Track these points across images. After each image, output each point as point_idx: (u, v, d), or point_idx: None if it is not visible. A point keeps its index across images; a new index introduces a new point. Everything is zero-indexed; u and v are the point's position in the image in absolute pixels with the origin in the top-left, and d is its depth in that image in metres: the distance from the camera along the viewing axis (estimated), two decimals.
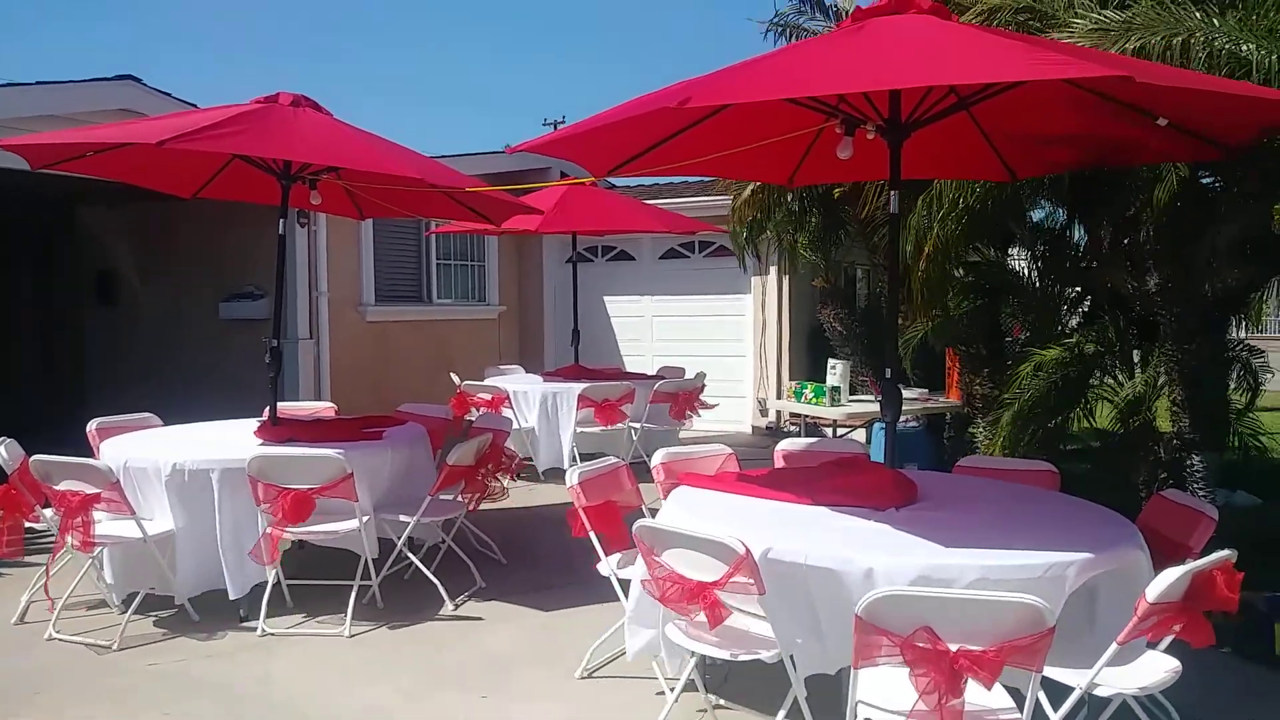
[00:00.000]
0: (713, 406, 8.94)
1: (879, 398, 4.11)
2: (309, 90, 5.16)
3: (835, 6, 8.13)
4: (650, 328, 12.15)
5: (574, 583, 5.16)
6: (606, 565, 3.98)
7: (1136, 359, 6.18)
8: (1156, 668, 2.97)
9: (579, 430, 8.12)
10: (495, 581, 5.37)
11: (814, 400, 8.08)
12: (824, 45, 3.56)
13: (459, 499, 5.26)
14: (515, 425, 7.75)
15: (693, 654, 3.28)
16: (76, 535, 4.42)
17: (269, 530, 4.59)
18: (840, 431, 8.67)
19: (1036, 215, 6.92)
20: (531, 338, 12.60)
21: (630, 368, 11.10)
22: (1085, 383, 5.72)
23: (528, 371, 10.14)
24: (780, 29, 8.27)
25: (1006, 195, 5.61)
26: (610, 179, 9.17)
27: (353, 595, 4.76)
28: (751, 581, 2.98)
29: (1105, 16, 4.73)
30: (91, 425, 5.59)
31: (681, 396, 8.55)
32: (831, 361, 8.29)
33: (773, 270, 10.94)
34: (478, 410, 8.12)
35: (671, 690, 3.55)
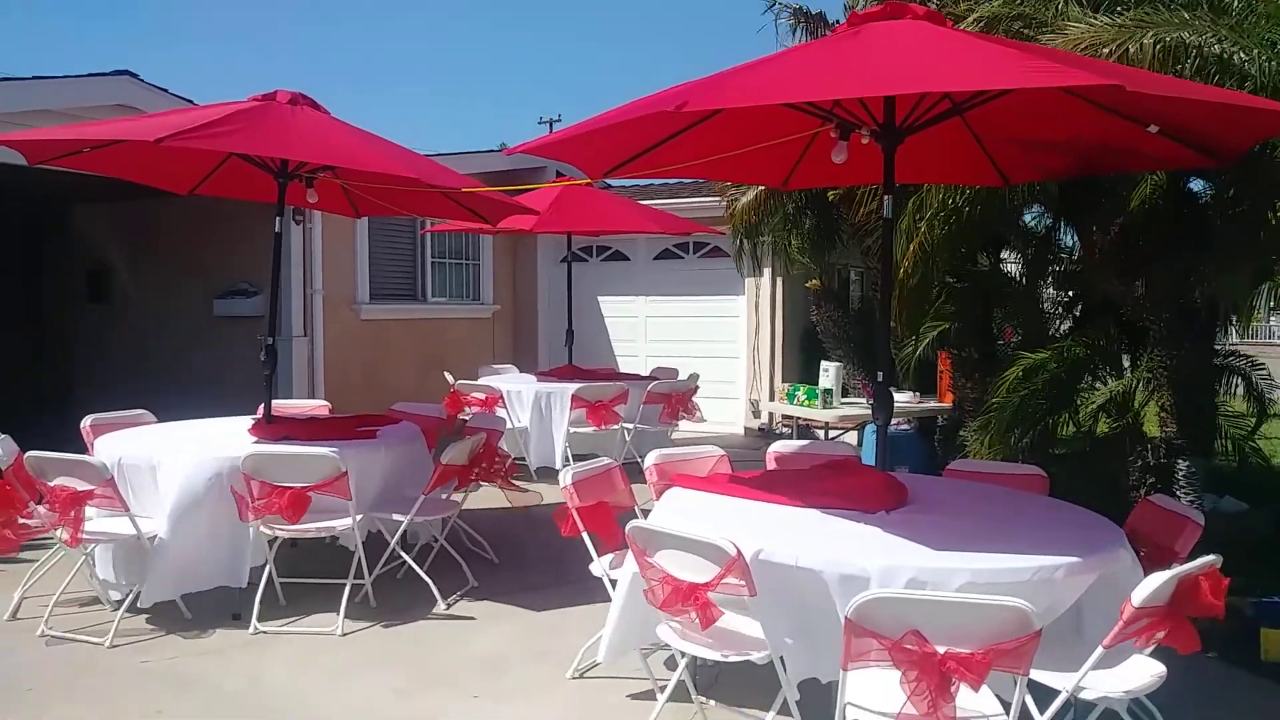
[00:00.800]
0: (700, 420, 8.93)
1: (871, 401, 4.14)
2: (300, 82, 5.19)
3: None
4: (644, 328, 12.17)
5: (566, 583, 5.18)
6: (599, 566, 4.00)
7: (1126, 364, 6.23)
8: (1142, 671, 3.00)
9: (572, 430, 8.15)
10: (487, 581, 5.39)
11: (806, 402, 8.11)
12: (820, 50, 3.59)
13: (451, 499, 5.28)
14: (509, 425, 7.76)
15: (683, 655, 3.30)
16: (66, 530, 4.43)
17: (265, 530, 4.60)
18: (832, 434, 8.70)
19: (1027, 219, 6.97)
20: (525, 337, 12.61)
21: (624, 368, 11.13)
22: (1074, 387, 5.76)
23: (521, 371, 10.17)
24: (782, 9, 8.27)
25: (996, 200, 5.64)
26: (606, 179, 9.19)
27: (345, 594, 4.77)
28: (743, 583, 3.01)
29: (1095, 21, 4.77)
30: (85, 422, 5.59)
31: (674, 398, 8.58)
32: (824, 364, 8.32)
33: (766, 272, 10.97)
34: (471, 409, 8.14)
35: (662, 691, 3.57)
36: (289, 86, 5.13)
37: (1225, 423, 5.88)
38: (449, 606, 5.03)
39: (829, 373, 8.15)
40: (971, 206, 5.69)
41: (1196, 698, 3.73)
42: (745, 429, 11.33)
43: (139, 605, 4.69)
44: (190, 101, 7.75)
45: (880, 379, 3.91)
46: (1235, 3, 4.80)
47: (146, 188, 5.96)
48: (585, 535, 3.97)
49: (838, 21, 7.75)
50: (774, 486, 3.92)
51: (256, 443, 5.06)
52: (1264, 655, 4.40)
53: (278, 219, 5.40)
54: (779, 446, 4.96)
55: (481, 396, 8.29)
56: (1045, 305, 7.18)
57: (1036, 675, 2.81)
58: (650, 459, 4.51)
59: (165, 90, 7.78)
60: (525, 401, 8.32)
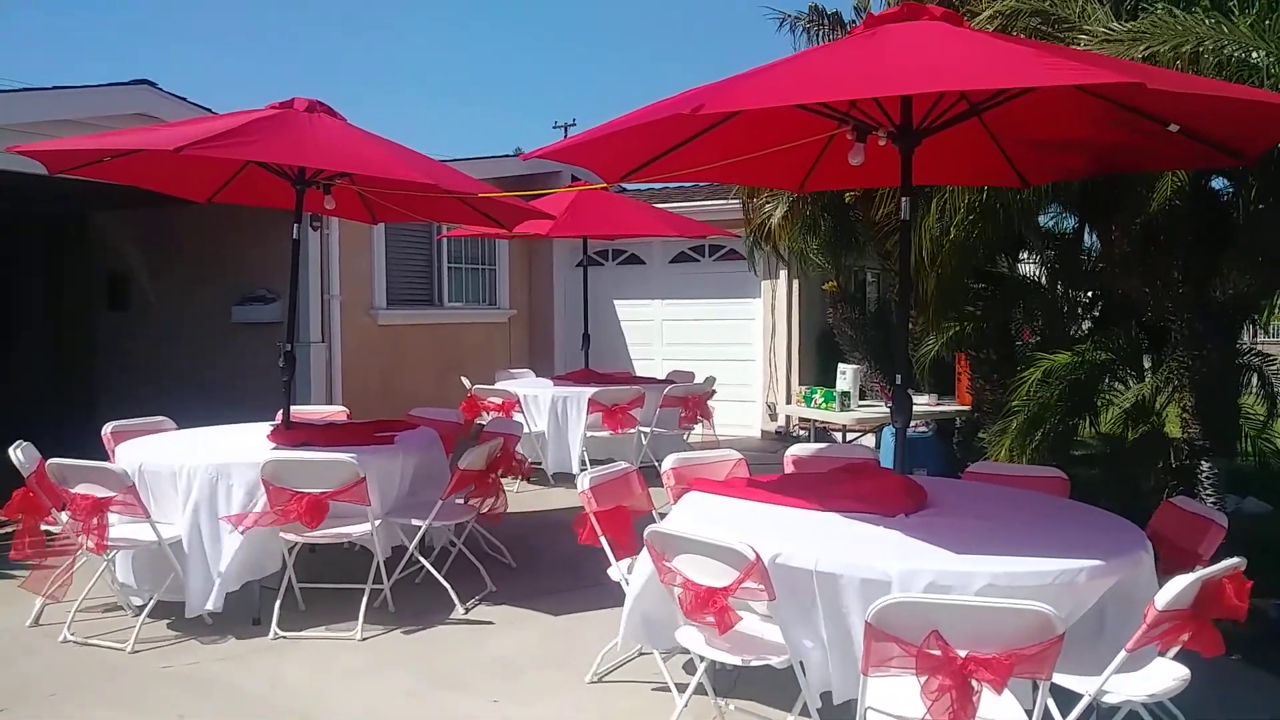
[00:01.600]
0: (710, 426, 8.89)
1: (889, 404, 4.12)
2: (315, 85, 5.22)
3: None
4: (660, 331, 12.17)
5: (584, 586, 5.18)
6: (617, 570, 4.00)
7: (1147, 365, 6.17)
8: (1165, 675, 2.97)
9: (589, 435, 8.15)
10: (505, 585, 5.39)
11: (824, 405, 8.09)
12: (836, 51, 3.58)
13: (469, 503, 5.29)
14: (525, 429, 7.77)
15: (702, 658, 3.30)
16: (91, 538, 4.46)
17: (285, 536, 4.63)
18: (850, 436, 8.67)
19: (1046, 220, 6.92)
20: (542, 341, 12.63)
21: (640, 371, 11.12)
22: (1094, 389, 5.72)
23: (538, 375, 10.19)
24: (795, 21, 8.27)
25: (1019, 200, 5.61)
26: (621, 183, 9.21)
27: (364, 599, 4.78)
28: (762, 587, 3.00)
29: (1112, 29, 4.74)
30: (106, 429, 5.64)
31: (691, 401, 8.57)
32: (841, 366, 8.30)
33: (783, 274, 10.95)
34: (488, 414, 8.16)
35: (681, 694, 3.56)
36: (305, 90, 5.20)
37: (1246, 424, 5.82)
38: (467, 611, 5.04)
39: (846, 375, 8.13)
40: (991, 207, 5.66)
41: (1220, 701, 3.70)
42: (762, 431, 11.30)
43: (188, 616, 4.72)
44: (209, 109, 7.80)
45: (899, 382, 3.89)
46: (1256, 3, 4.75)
47: (165, 195, 6.01)
48: (603, 539, 3.97)
49: (853, 22, 7.75)
50: (793, 490, 3.91)
51: (275, 448, 5.09)
52: None
53: (295, 226, 5.43)
54: (797, 450, 4.94)
55: (498, 401, 8.31)
56: (1064, 305, 7.13)
57: (1059, 679, 2.79)
58: (668, 463, 4.51)
59: (184, 99, 7.84)
60: (542, 406, 8.33)
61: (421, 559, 5.12)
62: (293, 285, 5.56)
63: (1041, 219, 6.83)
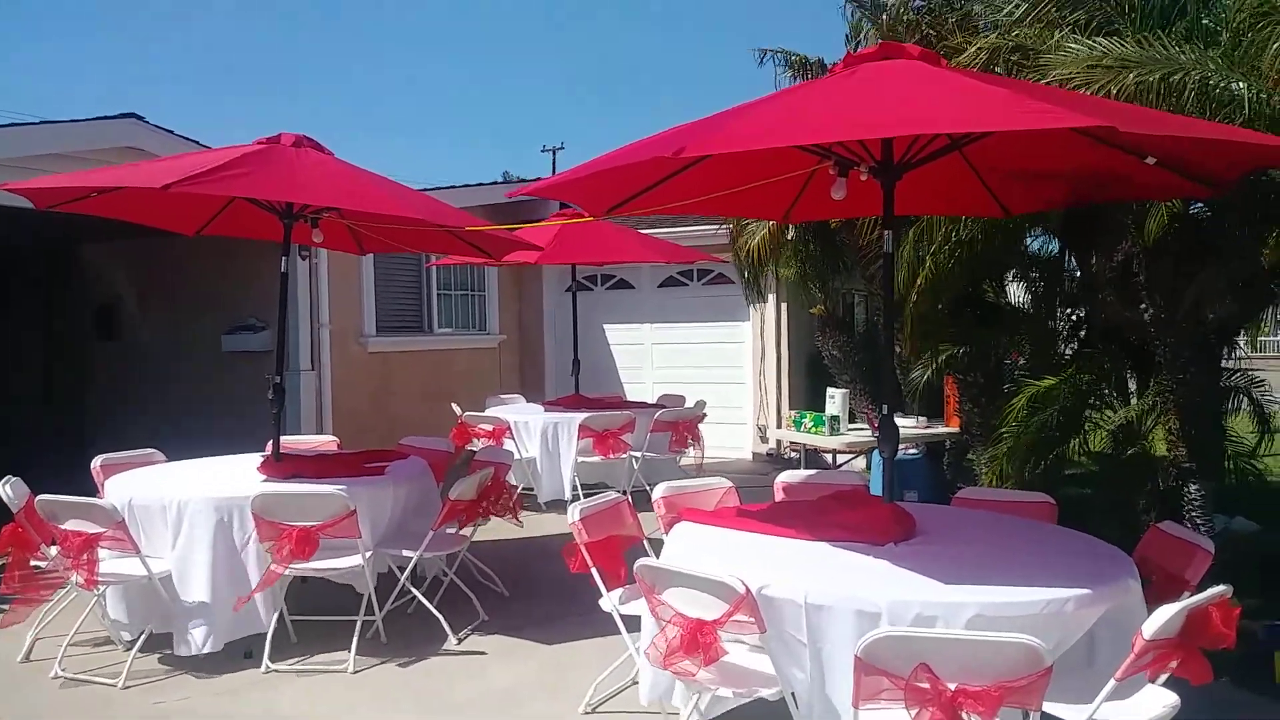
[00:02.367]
0: (699, 452, 8.88)
1: (876, 432, 4.16)
2: (303, 120, 5.25)
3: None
4: (650, 355, 12.21)
5: (577, 614, 5.18)
6: (609, 600, 4.01)
7: (1133, 388, 6.23)
8: (1155, 702, 2.99)
9: (580, 460, 8.16)
10: (498, 614, 5.40)
11: (813, 429, 8.11)
12: (817, 91, 3.62)
13: (460, 533, 5.29)
14: (516, 456, 7.78)
15: (695, 693, 3.30)
16: (81, 573, 4.45)
17: (274, 568, 4.62)
18: (840, 460, 8.70)
19: (1032, 243, 7.00)
20: (532, 366, 12.65)
21: (630, 396, 11.14)
22: (1081, 413, 5.76)
23: (528, 400, 10.19)
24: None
25: (1000, 228, 5.68)
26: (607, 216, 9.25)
27: (356, 631, 4.78)
28: (752, 620, 3.02)
29: (1096, 43, 4.81)
30: (96, 462, 5.63)
31: (682, 425, 8.59)
32: (830, 390, 8.33)
33: (771, 298, 11.00)
34: (479, 441, 8.16)
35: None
36: (287, 123, 5.21)
37: (1230, 446, 5.88)
38: (460, 641, 5.04)
39: (835, 399, 8.16)
40: (975, 234, 5.73)
41: None
42: (753, 454, 11.33)
43: (179, 654, 4.69)
44: (196, 142, 7.85)
45: (885, 411, 3.93)
46: (1225, 33, 4.84)
47: (152, 227, 6.03)
48: (594, 570, 3.98)
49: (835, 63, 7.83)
50: (782, 519, 3.93)
51: (265, 481, 5.09)
52: (1277, 679, 4.38)
53: (284, 259, 5.46)
54: (787, 476, 4.97)
55: (489, 427, 8.31)
56: (1051, 329, 7.19)
57: (1049, 707, 2.81)
58: (658, 491, 4.53)
59: (171, 131, 7.88)
60: (533, 432, 8.33)
61: (413, 589, 5.12)
62: (281, 318, 5.57)
63: (1028, 241, 6.92)
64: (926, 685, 2.57)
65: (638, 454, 8.26)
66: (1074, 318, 7.18)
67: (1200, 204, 5.49)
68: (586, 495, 4.63)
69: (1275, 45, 4.37)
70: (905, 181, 3.78)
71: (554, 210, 10.05)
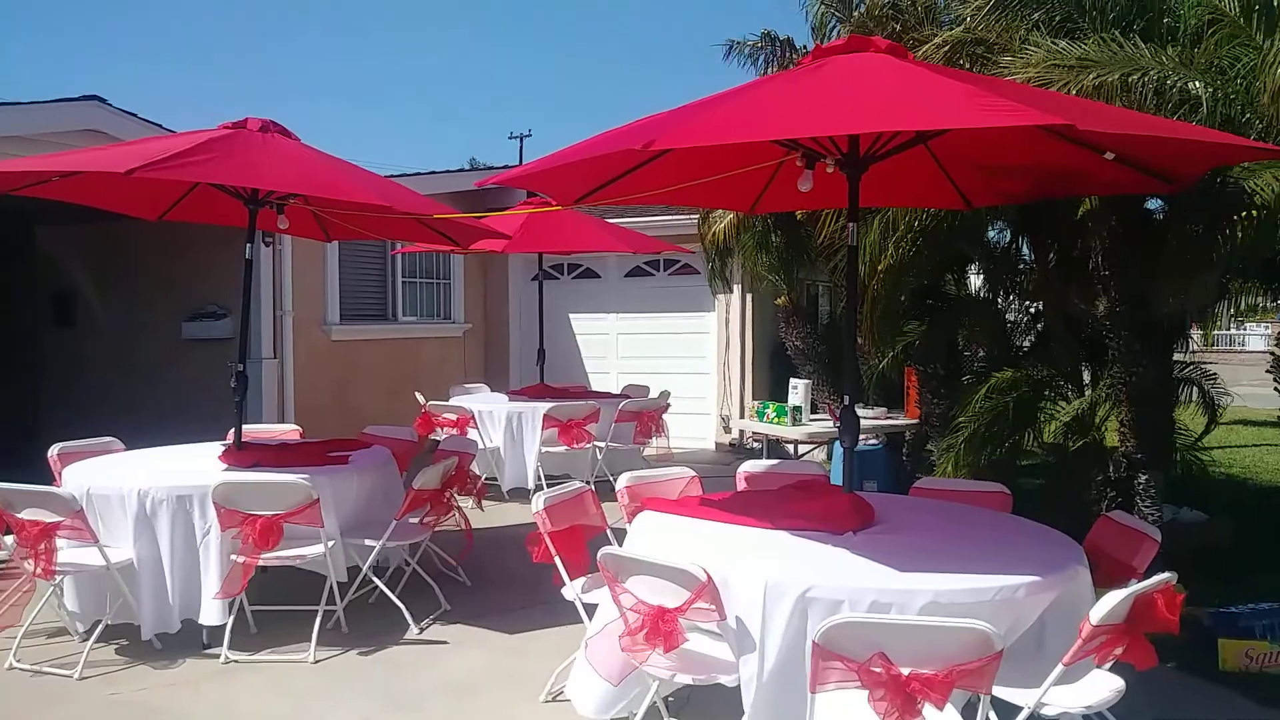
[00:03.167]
0: (664, 441, 8.93)
1: (837, 424, 4.22)
2: (265, 99, 5.20)
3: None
4: (615, 345, 12.23)
5: (538, 604, 5.21)
6: (571, 590, 4.04)
7: (1087, 379, 6.36)
8: (1102, 686, 3.08)
9: (544, 450, 8.17)
10: (460, 604, 5.40)
11: (776, 420, 8.19)
12: (785, 85, 3.66)
13: (424, 522, 5.29)
14: (480, 445, 7.77)
15: (655, 679, 3.35)
16: (38, 563, 4.40)
17: (237, 558, 4.60)
18: (802, 450, 8.79)
19: (990, 235, 7.11)
20: (497, 355, 12.63)
21: (595, 385, 11.16)
22: (1036, 405, 5.88)
23: (493, 390, 10.18)
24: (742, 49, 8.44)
25: (961, 220, 5.76)
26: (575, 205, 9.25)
27: (317, 620, 4.77)
28: (713, 608, 3.06)
29: (1057, 43, 4.90)
30: (53, 451, 5.55)
31: (646, 415, 8.63)
32: (793, 381, 8.41)
33: (736, 288, 11.07)
34: (443, 430, 8.15)
35: (633, 715, 3.60)
36: (254, 107, 5.19)
37: (1180, 438, 6.03)
38: (421, 631, 5.04)
39: (798, 390, 8.24)
40: (936, 226, 5.82)
41: (1156, 708, 3.83)
42: (716, 444, 11.40)
43: (145, 639, 4.67)
44: (160, 126, 7.73)
45: (846, 402, 3.99)
46: (1183, 29, 4.94)
47: (114, 211, 5.95)
48: (557, 559, 4.01)
49: (805, 48, 7.90)
50: (743, 509, 3.98)
51: (227, 470, 5.06)
52: (1221, 665, 4.51)
53: (248, 245, 5.41)
54: (749, 466, 5.02)
55: (453, 417, 8.29)
56: (1009, 319, 7.32)
57: (999, 692, 2.89)
58: (622, 481, 4.56)
59: (134, 115, 7.75)
60: (497, 421, 8.34)
61: (375, 579, 5.11)
62: (244, 305, 5.53)
63: (990, 235, 7.03)
64: (881, 670, 2.63)
65: (602, 444, 8.29)
66: (1032, 310, 7.31)
67: (1157, 200, 5.61)
68: (550, 485, 4.65)
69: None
70: (870, 174, 3.84)
71: (521, 198, 10.03)
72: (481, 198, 11.47)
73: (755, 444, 10.13)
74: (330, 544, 4.80)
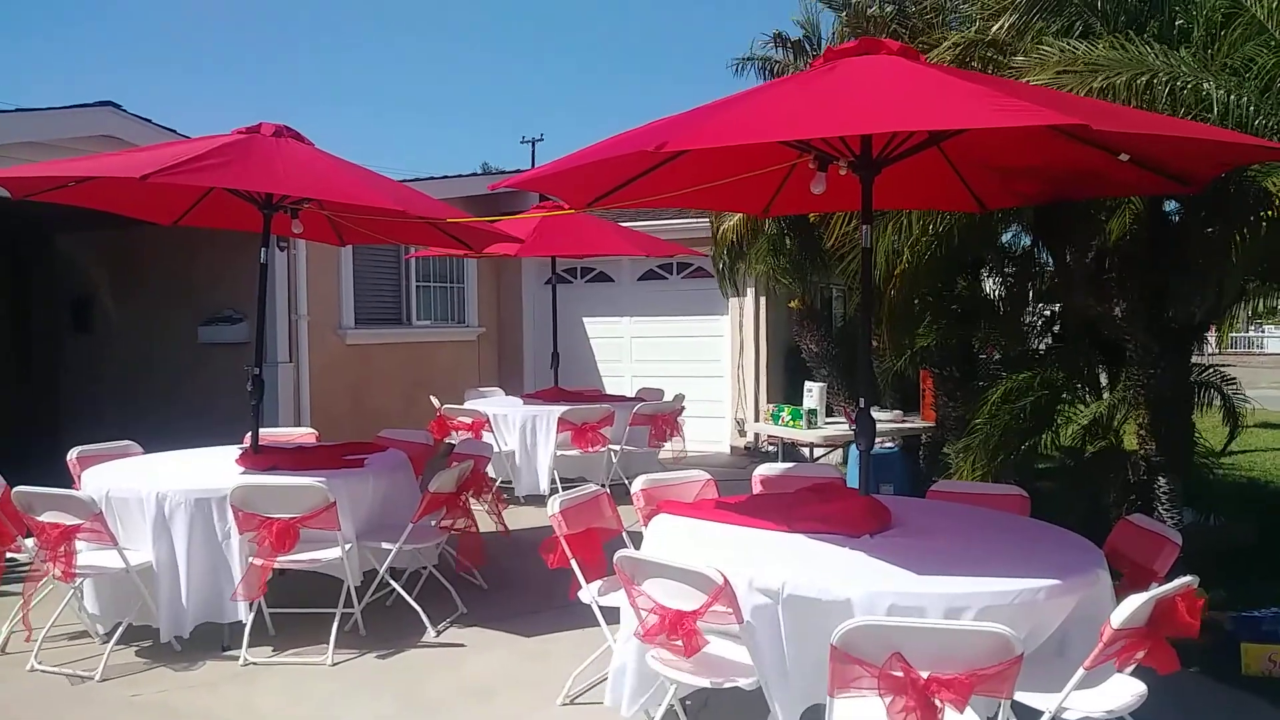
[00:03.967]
0: (680, 445, 8.93)
1: (852, 426, 4.21)
2: (280, 104, 5.23)
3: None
4: (629, 349, 12.23)
5: (555, 608, 5.21)
6: (588, 592, 4.04)
7: (1104, 383, 6.32)
8: (1123, 691, 3.06)
9: (558, 453, 8.17)
10: (477, 607, 5.41)
11: (791, 423, 8.17)
12: (797, 87, 3.65)
13: (440, 525, 5.30)
14: (495, 449, 7.78)
15: (673, 683, 3.34)
16: (59, 566, 4.43)
17: (255, 561, 4.62)
18: (817, 453, 8.77)
19: (1005, 238, 7.08)
20: (511, 359, 12.65)
21: (609, 389, 11.17)
22: (1054, 408, 5.84)
23: (507, 393, 10.20)
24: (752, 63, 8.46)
25: (975, 223, 5.74)
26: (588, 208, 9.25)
27: (335, 623, 4.78)
28: (730, 611, 3.05)
29: (1067, 44, 4.87)
30: (72, 454, 5.59)
31: (660, 419, 8.62)
32: (808, 384, 8.39)
33: (750, 291, 11.05)
34: (458, 434, 8.16)
35: (652, 716, 3.60)
36: (268, 113, 5.23)
37: (1201, 442, 5.98)
38: (439, 634, 5.05)
39: (813, 393, 8.22)
40: (951, 229, 5.79)
41: (1178, 713, 3.80)
42: (731, 448, 11.38)
43: (163, 641, 4.69)
44: (174, 131, 7.78)
45: (862, 404, 3.98)
46: (1196, 30, 4.91)
47: (129, 217, 5.99)
48: (573, 562, 4.01)
49: (815, 54, 7.89)
50: (760, 512, 3.97)
51: (244, 473, 5.08)
52: (1244, 669, 4.47)
53: (263, 250, 5.44)
54: (765, 469, 5.01)
55: (468, 420, 8.31)
56: (1025, 321, 7.29)
57: (1020, 696, 2.86)
58: (637, 484, 4.56)
59: (149, 120, 7.82)
60: (512, 425, 8.35)
61: (392, 582, 5.12)
62: (260, 310, 5.55)
63: (1005, 238, 7.00)
64: (900, 674, 2.62)
65: (616, 447, 8.28)
66: (1048, 313, 7.27)
67: (1174, 202, 5.57)
68: (565, 488, 4.65)
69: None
70: (883, 176, 3.83)
71: (534, 202, 10.05)
72: (495, 202, 11.50)
73: (770, 447, 10.11)
74: (347, 547, 4.81)
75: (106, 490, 4.82)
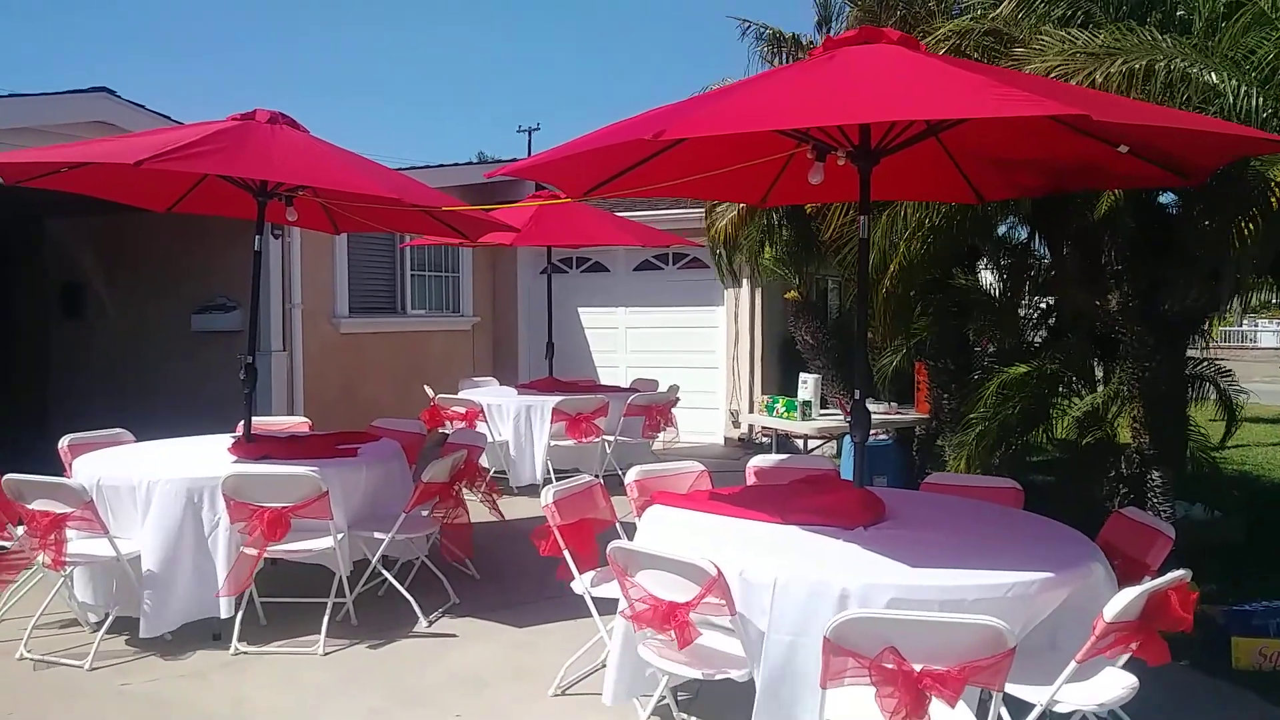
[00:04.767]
0: (673, 435, 8.91)
1: (847, 417, 4.20)
2: (274, 93, 5.20)
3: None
4: (624, 339, 12.21)
5: (547, 598, 5.20)
6: (580, 583, 4.03)
7: (1099, 376, 6.32)
8: (1115, 683, 3.06)
9: (553, 444, 8.16)
10: (469, 598, 5.40)
11: (785, 414, 8.16)
12: (796, 75, 3.63)
13: (433, 515, 5.29)
14: (489, 439, 7.77)
15: (665, 673, 3.33)
16: (48, 554, 4.41)
17: (246, 550, 4.60)
18: (811, 445, 8.76)
19: (1001, 230, 7.07)
20: (506, 349, 12.62)
21: (604, 379, 11.16)
22: (1049, 401, 5.84)
23: (502, 383, 10.18)
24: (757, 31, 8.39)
25: (972, 214, 5.72)
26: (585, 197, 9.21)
27: (326, 613, 4.77)
28: (723, 602, 3.05)
29: (1073, 35, 4.86)
30: (63, 442, 5.56)
31: (655, 409, 8.61)
32: (803, 376, 8.38)
33: (745, 282, 11.03)
34: (452, 423, 8.14)
35: (644, 708, 3.59)
36: (263, 100, 5.21)
37: (1195, 438, 5.98)
38: (431, 624, 5.04)
39: (807, 385, 8.21)
40: (947, 221, 5.78)
41: (1169, 706, 3.80)
42: (725, 439, 11.38)
43: (147, 636, 4.64)
44: (168, 118, 7.73)
45: (857, 397, 3.96)
46: (1198, 21, 4.90)
47: (123, 203, 5.95)
48: (566, 553, 4.00)
49: (812, 43, 7.86)
50: (753, 503, 3.96)
51: (236, 462, 5.06)
52: (1235, 663, 4.48)
53: (257, 238, 5.41)
54: (759, 461, 5.00)
55: (462, 410, 8.29)
56: (1021, 313, 7.28)
57: (1012, 689, 2.87)
58: (631, 475, 4.55)
59: (143, 106, 7.76)
60: (506, 415, 8.33)
61: (384, 572, 5.11)
62: (254, 297, 5.52)
63: (1001, 230, 6.99)
64: (893, 666, 2.61)
65: (610, 438, 8.27)
66: (1043, 305, 7.26)
67: (1171, 194, 5.56)
68: (559, 479, 4.63)
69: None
70: (882, 166, 3.81)
71: (530, 192, 10.01)
72: (490, 190, 11.46)
73: (764, 439, 10.11)
74: (339, 537, 4.80)
75: (97, 478, 4.79)
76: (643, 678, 3.55)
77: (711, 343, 11.58)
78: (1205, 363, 6.58)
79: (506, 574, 5.96)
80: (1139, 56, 4.48)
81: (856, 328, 4.15)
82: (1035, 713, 2.90)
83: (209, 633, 4.75)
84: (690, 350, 11.64)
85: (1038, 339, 7.17)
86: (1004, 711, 2.87)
